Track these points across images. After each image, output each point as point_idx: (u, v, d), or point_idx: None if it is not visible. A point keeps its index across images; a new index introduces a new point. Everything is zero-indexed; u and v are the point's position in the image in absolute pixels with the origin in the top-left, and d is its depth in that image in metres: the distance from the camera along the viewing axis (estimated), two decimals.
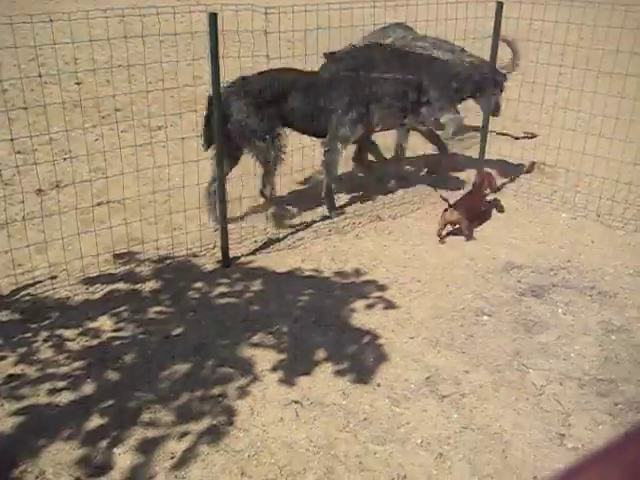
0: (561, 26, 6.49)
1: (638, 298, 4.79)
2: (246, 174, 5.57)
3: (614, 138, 6.13)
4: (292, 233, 5.60)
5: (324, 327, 4.33)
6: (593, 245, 5.59)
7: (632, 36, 6.53)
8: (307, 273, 5.00)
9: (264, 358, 4.01)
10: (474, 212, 5.77)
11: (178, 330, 4.28)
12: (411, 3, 5.92)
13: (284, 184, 5.94)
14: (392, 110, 5.76)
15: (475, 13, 6.22)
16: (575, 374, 3.95)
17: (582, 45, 7.03)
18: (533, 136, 7.57)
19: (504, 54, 6.61)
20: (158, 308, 4.50)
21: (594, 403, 3.72)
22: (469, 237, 5.61)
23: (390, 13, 7.07)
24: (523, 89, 6.57)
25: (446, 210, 5.49)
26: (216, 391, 3.73)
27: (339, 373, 3.89)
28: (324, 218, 5.86)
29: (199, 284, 4.81)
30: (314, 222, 5.80)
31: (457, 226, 5.60)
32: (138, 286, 4.74)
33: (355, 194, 6.17)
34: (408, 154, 6.81)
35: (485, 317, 4.50)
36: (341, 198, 6.09)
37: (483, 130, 6.38)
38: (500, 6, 5.73)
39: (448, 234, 5.63)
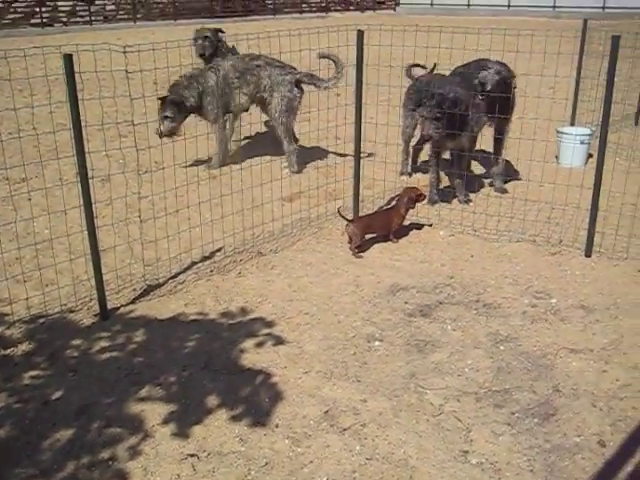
0: (416, 50, 6.68)
1: (520, 306, 4.92)
2: (120, 221, 5.35)
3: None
4: (172, 277, 5.39)
5: (214, 372, 4.14)
6: (473, 259, 5.71)
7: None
8: (192, 317, 4.81)
9: (154, 412, 3.78)
10: (381, 228, 6.00)
11: (58, 393, 3.97)
12: (272, 35, 5.92)
13: (158, 227, 5.73)
14: None
15: (337, 42, 6.30)
16: (471, 389, 3.96)
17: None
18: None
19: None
20: (33, 372, 4.17)
21: (492, 415, 3.73)
22: (353, 252, 5.79)
23: (255, 47, 7.05)
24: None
25: (347, 225, 5.81)
26: (105, 455, 3.46)
27: (234, 418, 3.72)
28: (204, 258, 5.69)
29: (77, 341, 4.51)
30: (194, 263, 5.62)
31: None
32: (9, 351, 4.38)
33: (236, 231, 6.03)
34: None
35: (377, 342, 4.46)
36: (219, 237, 5.93)
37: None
38: (361, 34, 5.81)
39: (359, 248, 5.83)
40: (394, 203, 6.24)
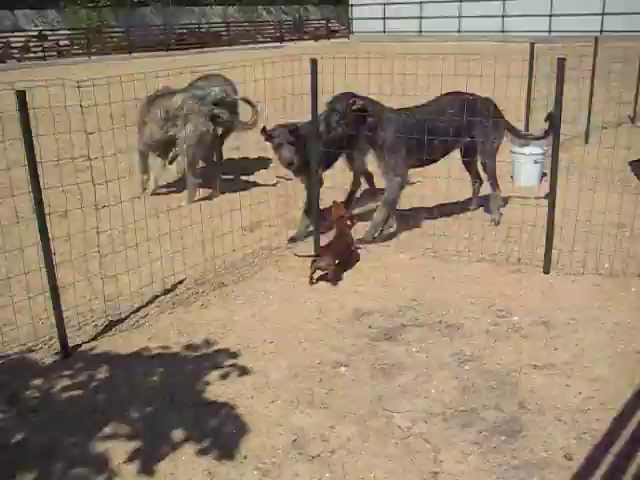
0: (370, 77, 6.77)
1: (482, 325, 4.96)
2: (79, 257, 5.29)
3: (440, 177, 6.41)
4: (134, 312, 5.33)
5: (180, 405, 4.09)
6: (434, 281, 5.76)
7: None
8: (155, 351, 4.75)
9: (119, 449, 3.70)
10: (342, 255, 5.97)
11: (18, 436, 3.86)
12: (227, 67, 5.95)
13: (117, 260, 5.67)
14: None
15: (292, 71, 6.36)
16: (438, 410, 3.97)
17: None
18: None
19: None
20: None
21: (460, 435, 3.74)
22: (334, 283, 5.74)
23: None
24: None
25: (315, 259, 5.73)
26: None
27: (202, 452, 3.66)
28: (166, 291, 5.64)
29: (38, 381, 4.41)
30: (156, 297, 5.56)
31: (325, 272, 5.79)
32: None
33: (197, 263, 5.99)
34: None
35: (343, 368, 4.45)
36: (180, 269, 5.88)
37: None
38: (314, 63, 5.86)
39: (318, 279, 5.79)
40: (334, 225, 6.26)
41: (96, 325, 5.13)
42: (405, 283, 5.73)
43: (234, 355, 4.64)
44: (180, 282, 5.82)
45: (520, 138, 7.47)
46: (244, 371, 4.44)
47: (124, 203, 5.91)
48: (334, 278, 5.76)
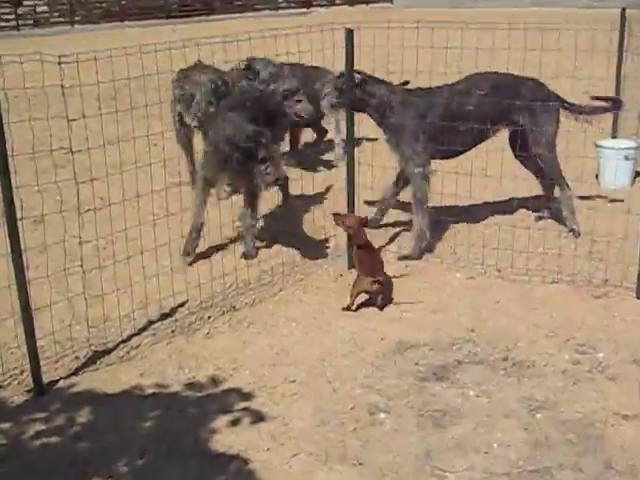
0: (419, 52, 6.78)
1: (559, 363, 4.92)
2: (57, 272, 5.34)
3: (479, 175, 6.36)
4: (124, 341, 5.37)
5: (180, 457, 4.11)
6: (498, 306, 5.73)
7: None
8: (149, 390, 4.78)
9: None
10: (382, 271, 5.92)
11: None
12: (241, 39, 6.01)
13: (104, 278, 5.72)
14: None
15: (322, 44, 6.38)
16: (501, 469, 3.94)
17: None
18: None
19: None
20: None
21: None
22: (382, 307, 5.75)
23: (222, 52, 7.13)
24: None
25: (358, 279, 5.71)
26: None
27: None
28: (163, 316, 5.68)
29: (6, 424, 4.46)
30: (151, 322, 5.60)
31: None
32: None
33: (202, 281, 6.02)
34: None
35: (382, 415, 4.44)
36: (181, 289, 5.94)
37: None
38: (350, 33, 5.89)
39: (360, 305, 5.79)
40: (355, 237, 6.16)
41: (77, 357, 5.16)
42: (461, 309, 5.70)
43: (247, 396, 4.65)
44: (181, 305, 5.85)
45: (578, 113, 7.33)
46: (259, 417, 4.45)
47: (113, 206, 5.94)
48: (384, 303, 5.76)
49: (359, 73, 6.50)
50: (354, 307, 5.75)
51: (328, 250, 6.81)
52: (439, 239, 6.85)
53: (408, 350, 5.15)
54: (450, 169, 6.62)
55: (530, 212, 7.50)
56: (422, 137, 6.61)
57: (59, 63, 4.89)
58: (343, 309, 5.73)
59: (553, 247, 6.63)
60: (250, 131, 6.08)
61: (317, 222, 7.26)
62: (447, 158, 6.92)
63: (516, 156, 7.16)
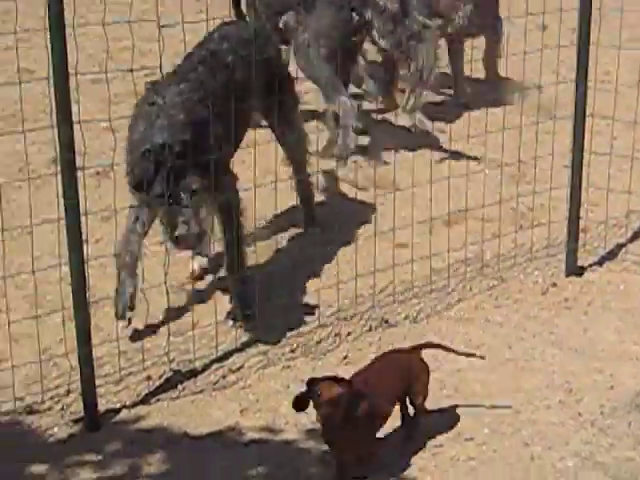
0: None
1: None
2: None
3: None
4: (220, 359, 5.32)
5: None
6: None
7: None
8: (253, 435, 4.69)
9: None
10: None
11: None
12: None
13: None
14: None
15: None
16: None
17: None
18: None
19: None
20: None
21: None
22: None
23: None
24: None
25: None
26: None
27: None
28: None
29: (40, 467, 4.42)
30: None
31: None
32: None
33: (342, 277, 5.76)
34: None
35: None
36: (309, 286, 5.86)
37: None
38: None
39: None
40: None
41: (149, 376, 5.21)
42: None
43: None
44: (307, 311, 5.85)
45: None
46: None
47: None
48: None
49: None
50: None
51: (537, 245, 6.55)
52: None
53: None
54: None
55: None
56: None
57: None
58: None
59: None
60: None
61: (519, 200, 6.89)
62: None
63: None
